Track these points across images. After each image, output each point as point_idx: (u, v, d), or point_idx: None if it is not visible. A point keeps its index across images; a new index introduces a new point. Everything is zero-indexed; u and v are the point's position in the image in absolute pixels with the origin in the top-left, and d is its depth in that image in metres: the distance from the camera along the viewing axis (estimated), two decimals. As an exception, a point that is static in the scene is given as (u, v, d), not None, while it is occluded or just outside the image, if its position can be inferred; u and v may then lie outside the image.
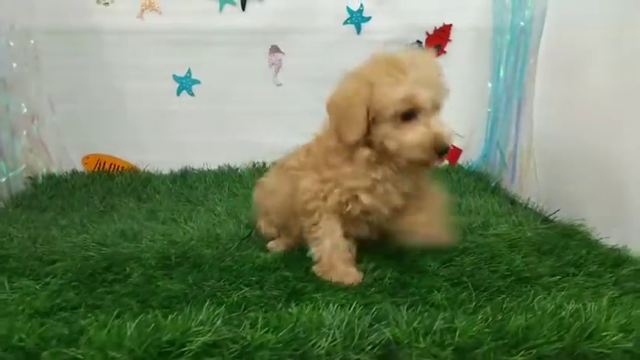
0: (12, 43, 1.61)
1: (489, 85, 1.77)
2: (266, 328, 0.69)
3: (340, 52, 1.75)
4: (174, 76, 1.79)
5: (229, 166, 1.83)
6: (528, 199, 1.47)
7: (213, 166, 1.83)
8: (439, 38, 1.76)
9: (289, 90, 1.81)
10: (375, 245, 1.03)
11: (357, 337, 0.67)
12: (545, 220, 1.30)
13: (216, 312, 0.74)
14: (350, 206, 0.94)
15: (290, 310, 0.77)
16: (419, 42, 1.76)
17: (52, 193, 1.62)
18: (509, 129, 1.69)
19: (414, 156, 0.88)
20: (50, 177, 1.75)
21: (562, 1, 1.46)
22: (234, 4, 1.73)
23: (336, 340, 0.67)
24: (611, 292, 0.86)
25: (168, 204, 1.51)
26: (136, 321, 0.70)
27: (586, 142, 1.32)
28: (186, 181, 1.72)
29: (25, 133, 1.68)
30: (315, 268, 0.97)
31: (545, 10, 1.51)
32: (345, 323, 0.70)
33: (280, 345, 0.66)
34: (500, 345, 0.68)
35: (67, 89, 1.76)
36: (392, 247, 1.01)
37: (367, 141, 0.91)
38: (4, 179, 1.56)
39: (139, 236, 1.19)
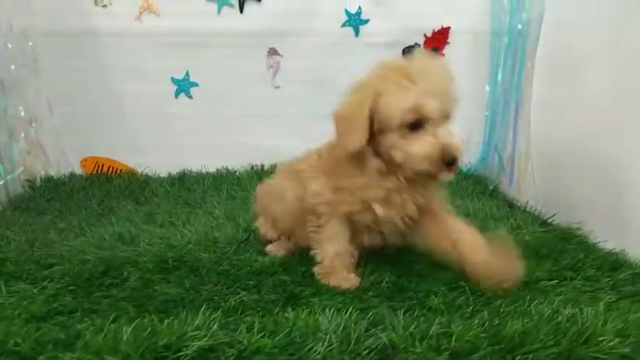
0: (10, 46, 1.61)
1: (487, 88, 1.77)
2: (262, 333, 0.70)
3: (338, 55, 1.76)
4: (172, 78, 1.79)
5: (227, 169, 1.83)
6: (526, 202, 1.47)
7: (212, 169, 1.83)
8: (437, 41, 1.76)
9: (287, 92, 1.81)
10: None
11: (353, 342, 0.67)
12: (543, 223, 1.30)
13: (213, 316, 0.74)
14: (360, 216, 0.93)
15: (287, 314, 0.77)
16: (417, 45, 1.77)
17: (50, 195, 1.62)
18: (507, 132, 1.69)
19: (421, 167, 0.86)
20: (48, 180, 1.75)
21: (559, 3, 1.46)
22: (232, 6, 1.74)
23: (332, 344, 0.67)
24: (608, 297, 0.86)
25: (167, 207, 1.51)
26: (132, 325, 0.70)
27: (584, 144, 1.32)
28: (184, 183, 1.72)
29: (23, 135, 1.68)
30: (315, 269, 0.97)
31: (542, 13, 1.51)
32: (341, 328, 0.70)
33: (276, 350, 0.66)
34: (496, 350, 0.68)
35: (66, 92, 1.76)
36: (390, 252, 1.01)
37: (376, 151, 0.90)
38: (1, 182, 1.56)
39: (136, 240, 1.19)
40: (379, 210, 0.92)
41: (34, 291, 0.90)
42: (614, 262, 1.02)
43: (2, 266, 1.02)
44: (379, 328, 0.72)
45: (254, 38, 1.75)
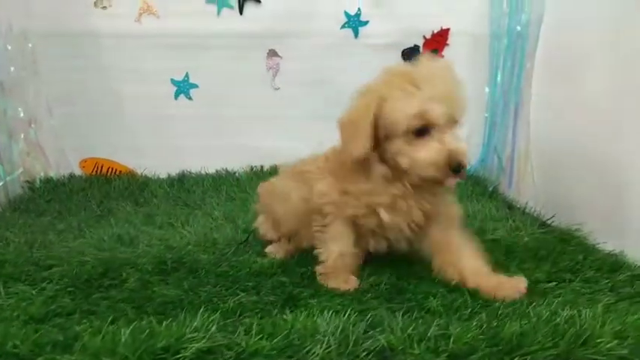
0: (10, 47, 1.61)
1: (487, 89, 1.78)
2: (260, 335, 0.69)
3: (338, 56, 1.77)
4: (172, 80, 1.79)
5: (227, 170, 1.83)
6: (526, 203, 1.47)
7: (211, 170, 1.83)
8: (436, 42, 1.76)
9: (287, 94, 1.81)
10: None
11: (351, 344, 0.67)
12: (543, 224, 1.30)
13: (211, 318, 0.74)
14: (365, 220, 0.93)
15: (285, 316, 0.77)
16: (416, 46, 1.77)
17: (49, 197, 1.62)
18: (506, 133, 1.69)
19: (427, 174, 0.85)
20: (48, 181, 1.75)
21: (559, 4, 1.46)
22: (231, 8, 1.74)
23: (330, 346, 0.67)
24: (607, 299, 0.86)
25: (166, 208, 1.51)
26: (131, 327, 0.70)
27: (583, 145, 1.32)
28: (183, 185, 1.72)
29: (22, 136, 1.69)
30: (318, 268, 0.96)
31: (541, 15, 1.51)
32: (339, 330, 0.70)
33: (274, 352, 0.66)
34: (494, 351, 0.67)
35: (65, 93, 1.76)
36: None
37: (382, 157, 0.90)
38: (1, 183, 1.56)
39: (135, 241, 1.19)
40: (385, 216, 0.91)
41: (33, 292, 0.90)
42: (613, 264, 1.02)
43: (1, 268, 1.02)
44: (377, 330, 0.72)
45: (254, 40, 1.76)
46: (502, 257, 1.06)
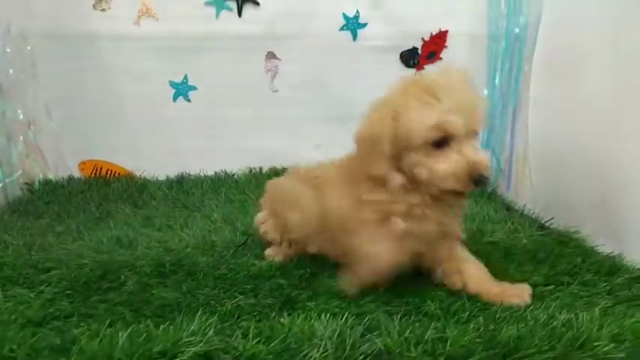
0: (9, 49, 1.61)
1: (485, 91, 1.77)
2: (258, 339, 0.70)
3: (336, 59, 1.76)
4: (170, 82, 1.79)
5: (226, 172, 1.83)
6: (524, 205, 1.47)
7: (210, 172, 1.82)
8: (435, 45, 1.76)
9: (285, 96, 1.80)
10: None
11: (348, 348, 0.67)
12: (541, 226, 1.30)
13: (209, 322, 0.74)
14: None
15: (282, 320, 0.77)
16: (415, 48, 1.77)
17: (48, 199, 1.62)
18: (504, 135, 1.69)
19: (448, 186, 0.83)
20: (47, 183, 1.75)
21: (557, 5, 1.47)
22: (230, 10, 1.74)
23: (327, 350, 0.67)
24: (604, 302, 0.86)
25: (165, 210, 1.51)
26: (128, 331, 0.70)
27: (582, 147, 1.32)
28: (182, 187, 1.72)
29: (21, 138, 1.68)
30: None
31: (539, 17, 1.51)
32: (336, 334, 0.70)
33: (271, 356, 0.67)
34: (491, 355, 0.68)
35: (64, 95, 1.76)
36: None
37: (398, 167, 0.88)
38: (0, 185, 1.56)
39: (134, 243, 1.19)
40: (400, 223, 0.88)
41: (31, 295, 0.90)
42: (611, 267, 1.02)
43: (-1, 271, 1.02)
44: (375, 333, 0.72)
45: (252, 42, 1.75)
46: (500, 260, 1.06)
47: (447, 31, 1.76)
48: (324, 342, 0.68)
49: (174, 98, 1.81)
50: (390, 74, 1.72)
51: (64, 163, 1.82)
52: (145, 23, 1.74)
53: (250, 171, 1.84)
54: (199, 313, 0.79)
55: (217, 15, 1.74)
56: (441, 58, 1.78)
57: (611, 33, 1.22)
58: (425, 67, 1.78)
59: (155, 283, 0.96)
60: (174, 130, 1.81)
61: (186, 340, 0.68)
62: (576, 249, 1.13)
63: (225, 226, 1.32)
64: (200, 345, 0.67)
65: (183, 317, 0.78)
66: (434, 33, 1.76)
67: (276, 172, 1.78)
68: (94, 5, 1.71)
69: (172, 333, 0.70)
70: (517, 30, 1.62)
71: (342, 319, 0.76)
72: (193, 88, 1.80)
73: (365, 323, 0.75)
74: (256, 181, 1.75)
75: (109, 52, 1.74)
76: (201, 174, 1.82)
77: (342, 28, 1.76)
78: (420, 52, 1.77)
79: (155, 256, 1.09)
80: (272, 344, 0.68)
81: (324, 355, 0.67)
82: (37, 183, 1.73)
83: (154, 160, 1.80)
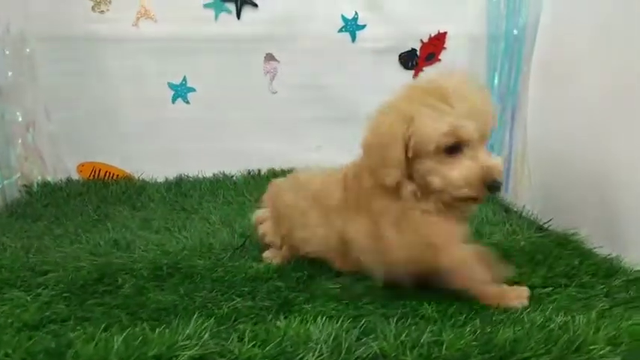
0: (7, 52, 1.62)
1: (484, 92, 1.78)
2: (253, 342, 0.69)
3: (335, 60, 1.77)
4: (169, 83, 1.79)
5: (224, 174, 1.83)
6: (523, 206, 1.47)
7: (208, 174, 1.83)
8: (434, 46, 1.76)
9: (284, 98, 1.81)
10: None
11: (344, 352, 0.67)
12: (539, 228, 1.30)
13: (205, 325, 0.74)
14: None
15: (278, 323, 0.77)
16: (414, 50, 1.77)
17: (46, 201, 1.62)
18: (503, 136, 1.69)
19: (462, 193, 0.81)
20: (45, 185, 1.75)
21: (555, 6, 1.47)
22: (229, 12, 1.74)
23: (323, 354, 0.67)
24: (602, 304, 0.85)
25: (163, 212, 1.51)
26: (124, 335, 0.70)
27: (580, 149, 1.32)
28: (180, 189, 1.72)
29: (20, 141, 1.68)
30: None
31: (538, 18, 1.51)
32: (332, 337, 0.70)
33: (267, 359, 0.66)
34: (487, 358, 0.67)
35: (63, 97, 1.76)
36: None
37: (409, 175, 0.86)
38: (-1, 187, 1.56)
39: (132, 246, 1.19)
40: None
41: (28, 299, 0.90)
42: (609, 269, 1.02)
43: (-3, 273, 1.02)
44: (371, 337, 0.72)
45: (251, 44, 1.75)
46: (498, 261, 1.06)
47: (445, 33, 1.76)
48: (319, 346, 0.68)
49: (173, 100, 1.81)
50: (388, 76, 1.76)
51: (62, 165, 1.82)
52: (143, 25, 1.74)
53: (249, 173, 1.84)
54: (195, 316, 0.79)
55: (216, 17, 1.74)
56: (439, 60, 1.78)
57: (608, 35, 1.22)
58: (424, 68, 1.78)
59: (152, 286, 0.96)
60: (172, 132, 1.81)
61: (182, 343, 0.68)
62: (574, 251, 1.12)
63: (223, 229, 1.32)
64: (195, 349, 0.67)
65: (180, 320, 0.77)
66: (433, 34, 1.76)
67: (274, 174, 1.78)
68: (92, 7, 1.71)
69: (168, 337, 0.70)
70: (516, 31, 1.62)
71: (338, 322, 0.76)
72: (192, 90, 1.80)
73: (361, 326, 0.75)
74: (255, 183, 1.75)
75: (108, 54, 1.75)
76: (200, 176, 1.82)
77: (340, 30, 1.76)
78: (418, 53, 1.77)
79: (152, 258, 1.09)
80: (267, 348, 0.68)
81: (319, 358, 0.66)
82: (35, 185, 1.74)
83: (153, 162, 1.81)
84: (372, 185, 0.88)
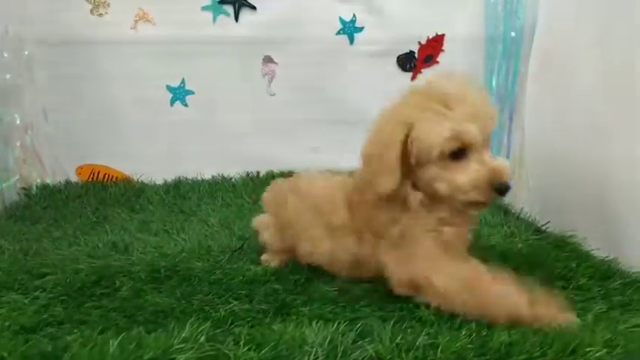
0: (6, 54, 1.62)
1: (482, 94, 1.78)
2: (249, 346, 0.69)
3: (333, 63, 1.76)
4: (167, 86, 1.79)
5: (223, 176, 1.83)
6: (521, 208, 1.47)
7: (207, 176, 1.83)
8: (432, 48, 1.76)
9: (283, 100, 1.81)
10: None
11: (339, 355, 0.67)
12: (537, 230, 1.30)
13: (200, 328, 0.74)
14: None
15: (274, 326, 0.77)
16: (412, 52, 1.77)
17: (45, 203, 1.62)
18: (501, 138, 1.69)
19: (470, 198, 0.79)
20: (44, 187, 1.75)
21: (553, 8, 1.47)
22: (227, 15, 1.74)
23: (318, 357, 0.67)
24: (598, 307, 0.85)
25: (161, 215, 1.51)
26: (119, 338, 0.70)
27: (578, 151, 1.32)
28: (179, 191, 1.72)
29: (18, 143, 1.69)
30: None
31: (535, 20, 1.51)
32: (328, 340, 0.70)
33: (262, 363, 0.67)
34: (482, 361, 0.68)
35: (61, 99, 1.76)
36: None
37: (414, 185, 0.84)
38: (-3, 190, 1.57)
39: (130, 248, 1.19)
40: (448, 231, 0.85)
41: (25, 301, 0.90)
42: (606, 271, 1.02)
43: (-6, 276, 1.02)
44: (367, 340, 0.72)
45: (249, 46, 1.76)
46: (496, 264, 1.05)
47: (443, 35, 1.76)
48: (314, 349, 0.68)
49: (172, 103, 1.81)
50: (386, 78, 1.76)
51: (61, 167, 1.82)
52: (142, 28, 1.74)
53: (247, 175, 1.84)
54: (192, 319, 0.79)
55: (214, 19, 1.74)
56: (437, 62, 1.78)
57: (607, 35, 1.22)
58: (422, 70, 1.78)
59: (149, 288, 0.96)
60: (171, 134, 1.81)
61: (177, 347, 0.68)
62: (572, 253, 1.12)
63: (221, 231, 1.32)
64: (191, 352, 0.67)
65: (176, 324, 0.78)
66: (430, 36, 1.76)
67: (273, 176, 1.78)
68: (91, 10, 1.72)
69: (163, 340, 0.70)
70: (513, 33, 1.62)
71: (334, 325, 0.76)
72: (190, 92, 1.80)
73: (357, 329, 0.75)
74: (253, 185, 1.75)
75: (107, 57, 1.75)
76: (199, 178, 1.82)
77: (338, 32, 1.76)
78: (416, 55, 1.77)
79: (150, 261, 1.09)
80: (263, 351, 0.68)
81: (315, 361, 0.67)
82: (34, 188, 1.74)
83: (152, 165, 1.80)
84: (375, 198, 0.86)
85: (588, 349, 0.69)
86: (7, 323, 0.81)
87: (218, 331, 0.77)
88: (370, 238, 0.90)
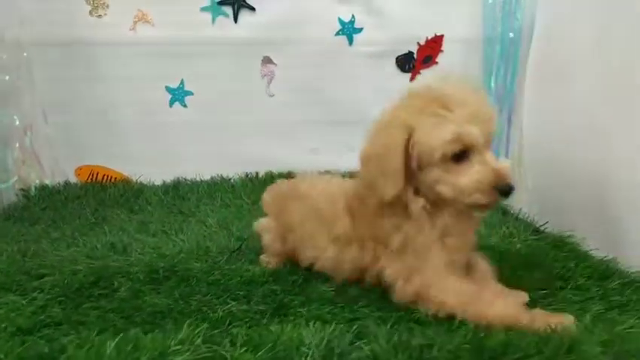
0: (5, 56, 1.62)
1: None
2: (246, 347, 0.69)
3: (332, 63, 1.77)
4: (166, 87, 1.79)
5: (222, 177, 1.83)
6: (520, 209, 1.47)
7: (206, 177, 1.83)
8: (431, 49, 1.76)
9: (282, 101, 1.81)
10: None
11: (336, 356, 0.67)
12: (536, 231, 1.30)
13: (197, 330, 0.74)
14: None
15: (271, 328, 0.77)
16: (410, 53, 1.77)
17: (44, 204, 1.63)
18: (500, 139, 1.69)
19: (474, 200, 0.78)
20: (43, 188, 1.76)
21: (550, 9, 1.47)
22: (226, 16, 1.74)
23: (315, 359, 0.67)
24: (597, 308, 0.85)
25: (160, 215, 1.51)
26: (116, 340, 0.70)
27: (576, 151, 1.32)
28: (178, 192, 1.72)
29: (17, 144, 1.69)
30: None
31: (533, 21, 1.51)
32: (324, 341, 0.70)
33: (259, 364, 0.66)
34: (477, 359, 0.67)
35: (60, 101, 1.77)
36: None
37: (415, 189, 0.83)
38: (-4, 191, 1.57)
39: (128, 249, 1.19)
40: (451, 241, 0.85)
41: (23, 302, 0.90)
42: (605, 271, 1.02)
43: (-8, 277, 1.02)
44: (364, 340, 0.72)
45: (248, 47, 1.76)
46: (495, 264, 1.05)
47: (442, 36, 1.76)
48: (311, 350, 0.68)
49: (171, 103, 1.81)
50: (385, 79, 1.76)
51: (60, 168, 1.83)
52: (141, 29, 1.74)
53: (247, 175, 1.84)
54: (189, 320, 0.79)
55: (213, 20, 1.74)
56: (436, 63, 1.78)
57: (605, 36, 1.22)
58: (421, 71, 1.78)
59: (148, 289, 0.96)
60: (170, 135, 1.82)
61: (174, 348, 0.68)
62: (570, 253, 1.12)
63: (220, 231, 1.33)
64: (187, 353, 0.67)
65: (173, 325, 0.77)
66: (429, 37, 1.76)
67: (272, 177, 1.78)
68: (90, 12, 1.72)
69: (160, 341, 0.70)
70: (512, 34, 1.62)
71: (331, 326, 0.76)
72: (189, 93, 1.80)
73: (354, 330, 0.75)
74: (252, 185, 1.75)
75: (106, 58, 1.75)
76: (198, 179, 1.82)
77: (337, 33, 1.76)
78: (415, 56, 1.77)
79: (149, 262, 1.09)
80: (260, 353, 0.68)
81: (311, 363, 0.66)
82: (33, 189, 1.74)
83: (151, 165, 1.81)
84: (377, 204, 0.85)
85: (584, 347, 0.69)
86: (4, 324, 0.81)
87: (215, 332, 0.76)
88: (372, 246, 0.90)
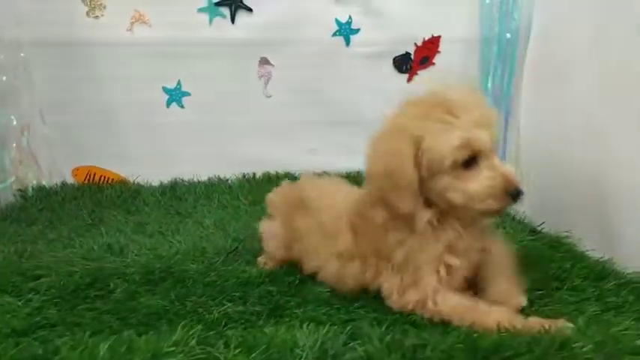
0: (2, 56, 1.62)
1: (478, 96, 1.78)
2: (240, 349, 0.69)
3: (329, 64, 1.76)
4: (164, 88, 1.79)
5: (219, 178, 1.83)
6: (517, 210, 1.47)
7: (203, 178, 1.82)
8: (428, 50, 1.76)
9: (279, 101, 1.80)
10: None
11: (329, 358, 0.67)
12: (533, 231, 1.30)
13: (192, 331, 0.74)
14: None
15: (265, 329, 0.77)
16: (407, 53, 1.77)
17: (41, 205, 1.63)
18: (497, 140, 1.69)
19: (487, 206, 0.78)
20: (40, 189, 1.75)
21: (547, 10, 1.47)
22: (223, 16, 1.74)
23: (308, 361, 0.67)
24: (592, 309, 0.85)
25: (157, 216, 1.51)
26: (109, 341, 0.70)
27: (573, 152, 1.32)
28: (175, 192, 1.72)
29: (14, 145, 1.69)
30: None
31: (531, 21, 1.51)
32: (318, 343, 0.70)
33: (252, 366, 0.66)
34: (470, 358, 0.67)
35: (58, 101, 1.76)
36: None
37: (425, 199, 0.82)
38: (-7, 191, 1.57)
39: (125, 250, 1.19)
40: (454, 260, 0.84)
41: (19, 304, 0.90)
42: (601, 271, 1.01)
43: (-12, 279, 1.02)
44: (358, 341, 0.72)
45: (245, 48, 1.75)
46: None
47: (439, 37, 1.76)
48: (305, 352, 0.68)
49: (168, 104, 1.81)
50: (383, 79, 1.76)
51: (57, 169, 1.82)
52: (138, 30, 1.74)
53: (244, 176, 1.84)
54: (184, 322, 0.79)
55: (210, 21, 1.74)
56: (434, 64, 1.78)
57: (602, 36, 1.22)
58: (418, 72, 1.78)
59: (143, 290, 0.96)
60: (167, 135, 1.81)
61: (167, 350, 0.68)
62: (566, 253, 1.12)
63: (216, 232, 1.32)
64: (181, 355, 0.67)
65: (168, 326, 0.78)
66: (426, 38, 1.76)
67: (269, 178, 1.79)
68: (87, 12, 1.72)
69: (154, 343, 0.70)
70: (509, 34, 1.62)
71: (325, 327, 0.75)
72: (187, 94, 1.80)
73: (348, 331, 0.75)
74: (250, 186, 1.75)
75: (103, 59, 1.75)
76: (195, 179, 1.82)
77: (334, 34, 1.76)
78: (412, 57, 1.77)
79: (145, 263, 1.09)
80: (253, 354, 0.68)
81: (305, 364, 0.66)
82: (30, 189, 1.74)
83: (148, 166, 1.80)
84: (384, 221, 0.85)
85: (574, 345, 0.69)
86: (-2, 326, 0.81)
87: (210, 333, 0.77)
88: (374, 262, 0.89)
